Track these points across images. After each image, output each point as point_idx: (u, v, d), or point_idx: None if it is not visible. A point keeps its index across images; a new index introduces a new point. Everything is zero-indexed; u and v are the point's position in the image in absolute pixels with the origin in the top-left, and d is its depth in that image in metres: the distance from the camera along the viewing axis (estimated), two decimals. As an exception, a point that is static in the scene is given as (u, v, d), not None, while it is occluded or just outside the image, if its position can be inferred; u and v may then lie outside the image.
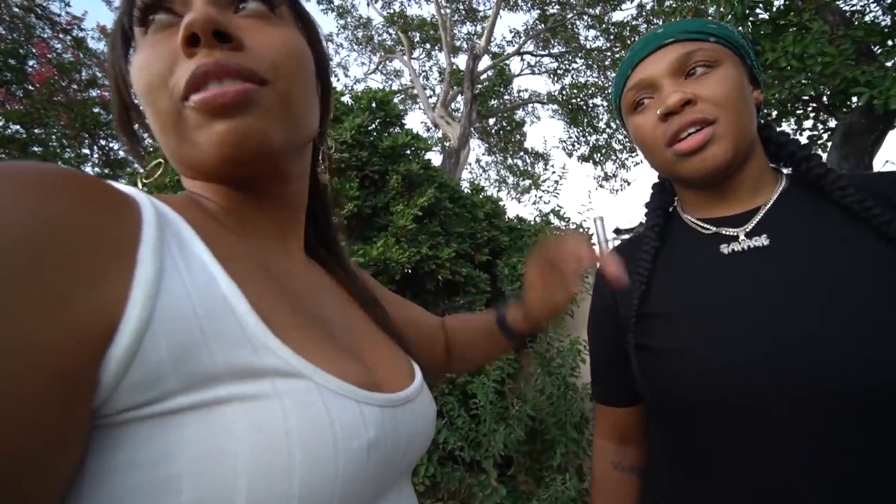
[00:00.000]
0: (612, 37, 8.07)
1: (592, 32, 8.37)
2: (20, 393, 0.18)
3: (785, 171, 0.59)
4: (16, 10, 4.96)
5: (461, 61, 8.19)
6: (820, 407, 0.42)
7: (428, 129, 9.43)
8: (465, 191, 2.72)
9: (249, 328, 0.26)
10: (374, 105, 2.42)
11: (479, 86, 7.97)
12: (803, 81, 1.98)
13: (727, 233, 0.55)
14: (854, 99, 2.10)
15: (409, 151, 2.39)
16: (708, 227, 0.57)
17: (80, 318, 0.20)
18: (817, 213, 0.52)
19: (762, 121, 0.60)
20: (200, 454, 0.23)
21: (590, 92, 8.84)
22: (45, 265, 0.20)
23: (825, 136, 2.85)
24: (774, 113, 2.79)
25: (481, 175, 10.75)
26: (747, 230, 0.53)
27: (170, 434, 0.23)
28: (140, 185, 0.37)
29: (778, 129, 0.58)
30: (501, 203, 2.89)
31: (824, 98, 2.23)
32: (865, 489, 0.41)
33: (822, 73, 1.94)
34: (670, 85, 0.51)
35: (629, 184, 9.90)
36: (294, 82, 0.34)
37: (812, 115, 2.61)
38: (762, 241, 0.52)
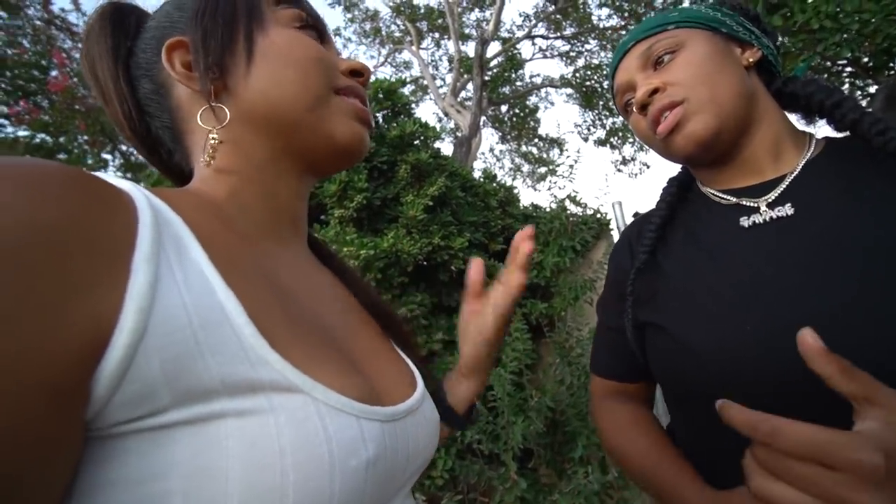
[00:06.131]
0: (625, 13, 7.75)
1: (605, 10, 8.06)
2: (8, 408, 0.18)
3: (818, 132, 0.54)
4: (37, 23, 5.11)
5: (471, 49, 8.04)
6: None
7: (440, 120, 9.34)
8: (478, 179, 2.66)
9: (246, 340, 0.26)
10: (380, 95, 2.37)
11: (490, 72, 7.81)
12: (837, 43, 1.82)
13: (747, 203, 0.51)
14: (898, 59, 1.92)
15: (417, 141, 2.34)
16: (727, 197, 0.53)
17: (70, 331, 0.20)
18: (855, 177, 0.46)
19: (791, 74, 0.55)
20: (192, 471, 0.22)
21: (604, 73, 8.54)
22: (33, 274, 0.19)
23: (864, 102, 2.65)
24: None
25: (495, 164, 10.61)
26: (769, 200, 0.49)
27: (162, 449, 0.22)
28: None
29: (803, 80, 0.53)
30: (515, 190, 2.82)
31: (863, 60, 2.05)
32: None
33: (860, 33, 1.78)
34: (641, 80, 0.54)
35: (648, 167, 9.59)
36: None
37: (848, 80, 2.41)
38: (786, 210, 0.47)
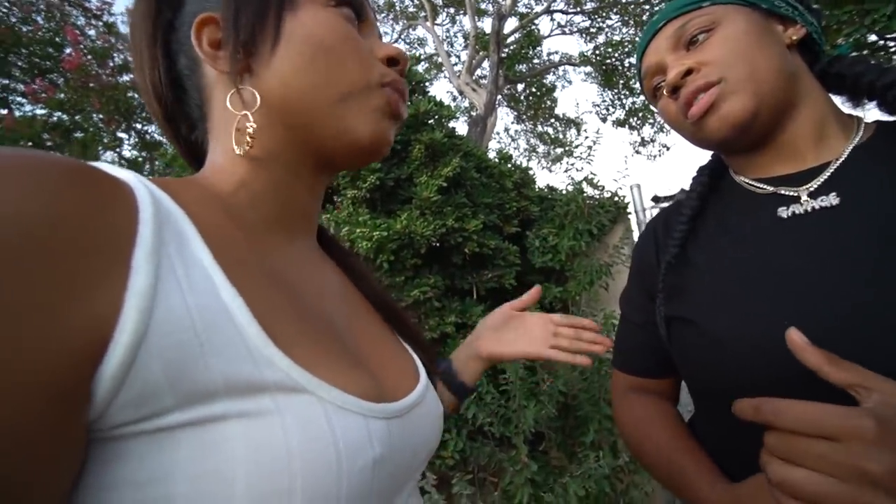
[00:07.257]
0: (651, -14, 7.36)
1: (629, -17, 7.68)
2: (6, 412, 0.17)
3: (868, 116, 0.50)
4: (50, -2, 5.08)
5: (487, 25, 7.78)
6: None
7: (454, 99, 9.16)
8: (493, 160, 2.59)
9: (251, 339, 0.25)
10: (394, 72, 2.31)
11: (506, 49, 7.58)
12: (889, 15, 1.67)
13: (787, 193, 0.47)
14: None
15: (431, 120, 2.28)
16: (764, 186, 0.49)
17: (68, 333, 0.19)
18: None
19: (834, 52, 0.51)
20: (196, 474, 0.22)
21: (626, 50, 8.20)
22: (30, 274, 0.19)
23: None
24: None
25: (510, 145, 10.41)
26: (811, 189, 0.46)
27: (164, 452, 0.22)
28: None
29: (850, 59, 0.48)
30: (531, 172, 2.75)
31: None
32: None
33: (916, 2, 1.63)
34: (673, 61, 0.51)
35: (668, 149, 9.30)
36: None
37: None
38: (830, 200, 0.44)
